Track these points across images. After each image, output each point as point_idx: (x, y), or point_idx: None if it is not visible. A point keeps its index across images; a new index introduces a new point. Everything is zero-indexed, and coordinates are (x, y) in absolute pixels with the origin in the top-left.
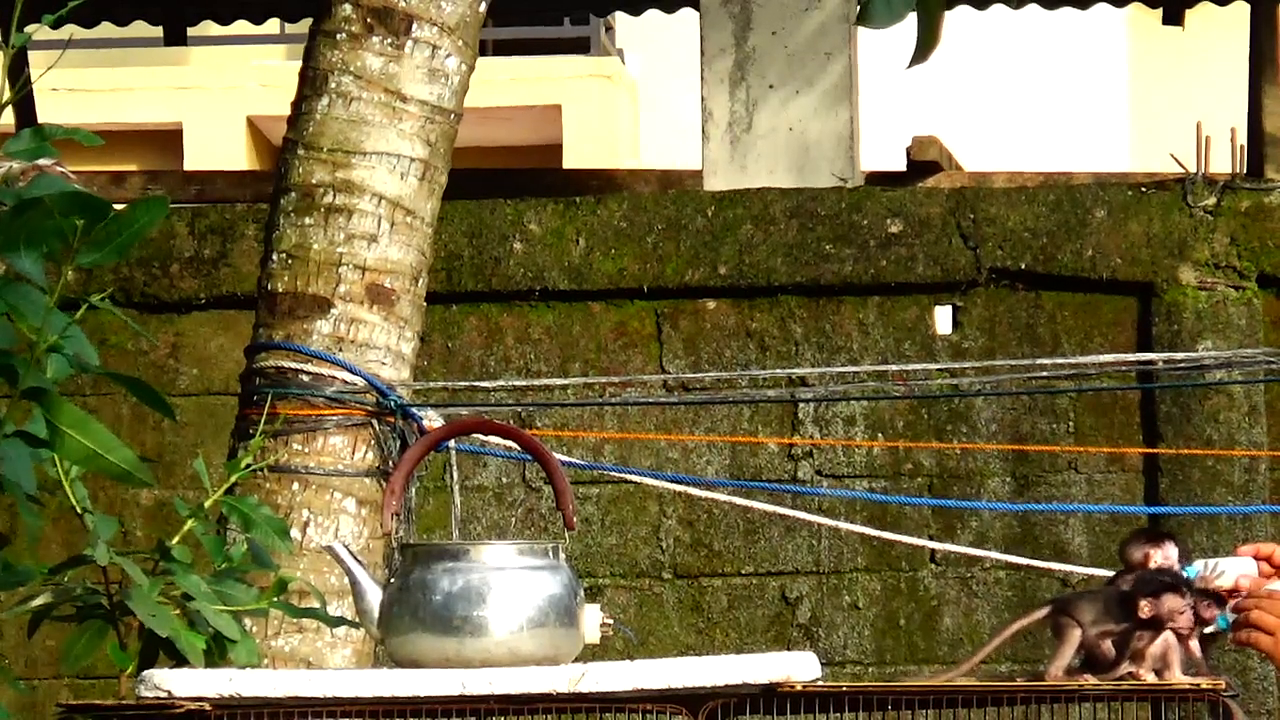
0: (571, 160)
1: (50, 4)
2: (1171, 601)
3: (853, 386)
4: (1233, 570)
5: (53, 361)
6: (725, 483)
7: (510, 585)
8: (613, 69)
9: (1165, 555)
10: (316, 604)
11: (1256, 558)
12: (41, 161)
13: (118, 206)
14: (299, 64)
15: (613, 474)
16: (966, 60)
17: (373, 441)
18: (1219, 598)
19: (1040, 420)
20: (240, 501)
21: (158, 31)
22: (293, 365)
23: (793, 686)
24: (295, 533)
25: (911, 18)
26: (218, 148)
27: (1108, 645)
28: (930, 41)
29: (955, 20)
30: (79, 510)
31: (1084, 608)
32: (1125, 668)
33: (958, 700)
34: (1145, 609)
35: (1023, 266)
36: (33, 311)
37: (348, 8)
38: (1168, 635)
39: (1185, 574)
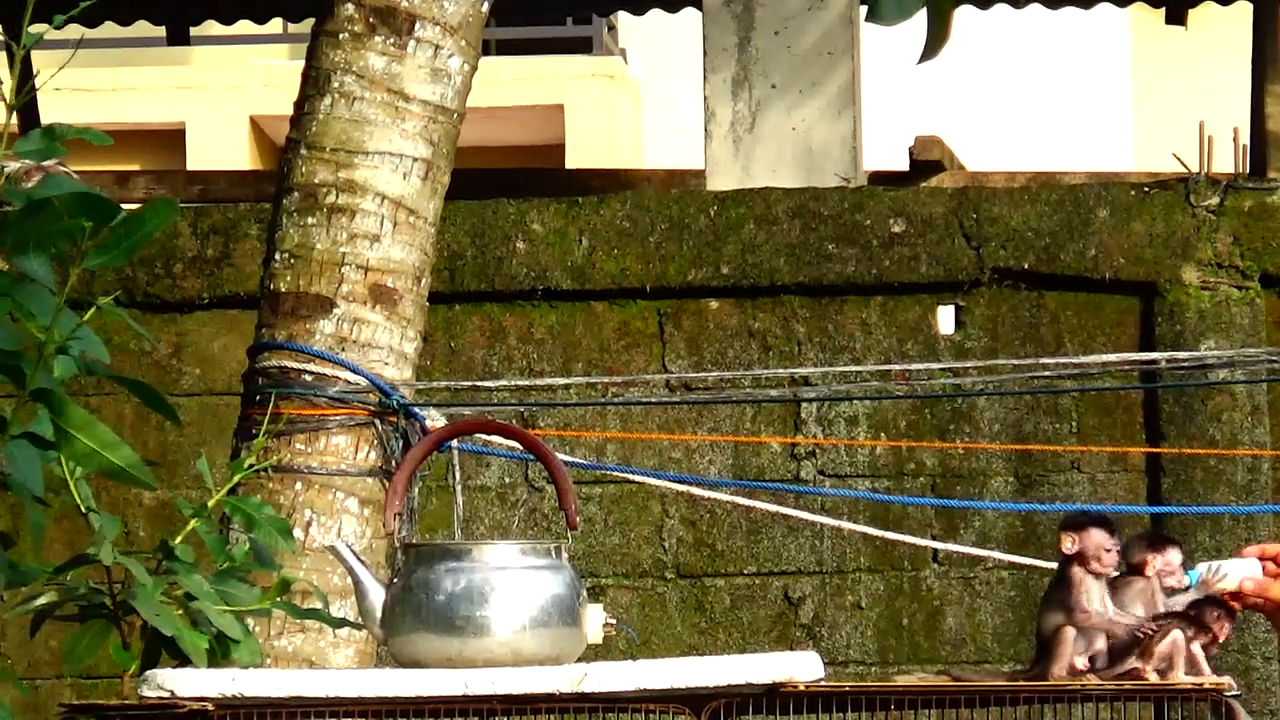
0: (574, 160)
1: (52, 4)
2: (1097, 537)
3: (855, 386)
4: (1236, 572)
5: (59, 362)
6: (728, 482)
7: (513, 585)
8: (615, 69)
9: (1166, 560)
10: (319, 604)
11: (1262, 558)
12: (44, 162)
13: (123, 207)
14: (302, 64)
15: (615, 474)
16: (969, 60)
17: (375, 441)
18: (1224, 603)
19: (1043, 420)
20: (243, 501)
21: (160, 31)
22: (295, 365)
23: (795, 686)
24: (298, 532)
25: (919, 15)
26: (220, 147)
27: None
28: (940, 38)
29: (958, 20)
30: (84, 510)
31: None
32: (1131, 663)
33: (960, 700)
34: (1067, 543)
35: (1025, 266)
36: (42, 311)
37: (350, 7)
38: (1176, 634)
39: (1188, 578)
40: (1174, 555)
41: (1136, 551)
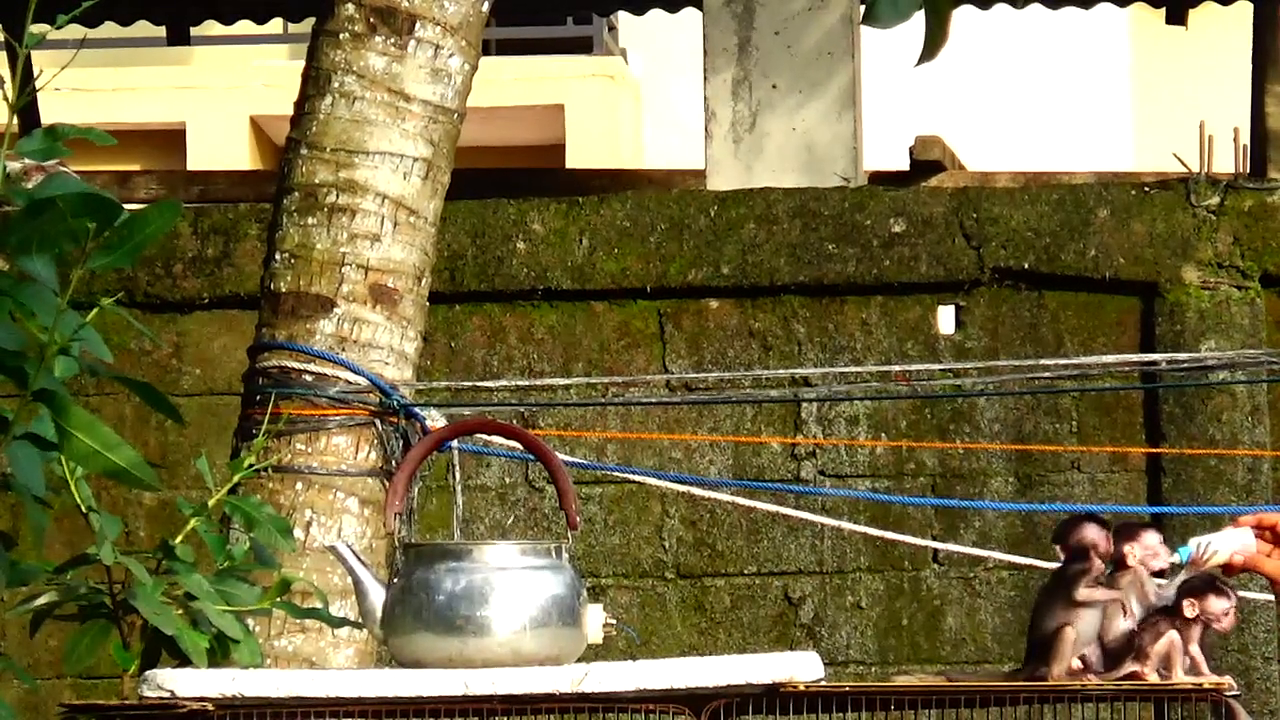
0: (574, 160)
1: (54, 4)
2: (1094, 531)
3: (856, 386)
4: (1226, 547)
5: (60, 362)
6: (728, 482)
7: (513, 585)
8: (616, 69)
9: (1144, 545)
10: (319, 604)
11: (1260, 526)
12: (45, 162)
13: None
14: (302, 64)
15: (615, 474)
16: (969, 60)
17: (375, 441)
18: (1204, 585)
19: (1043, 420)
20: (243, 501)
21: (161, 31)
22: (296, 365)
23: (796, 687)
24: (298, 532)
25: (917, 16)
26: (221, 147)
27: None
28: (938, 39)
29: (958, 20)
30: (84, 510)
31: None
32: (1129, 666)
33: (960, 700)
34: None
35: (1026, 266)
36: (45, 312)
37: (350, 7)
38: (1172, 635)
39: (1178, 555)
40: (1150, 538)
41: (1115, 545)
